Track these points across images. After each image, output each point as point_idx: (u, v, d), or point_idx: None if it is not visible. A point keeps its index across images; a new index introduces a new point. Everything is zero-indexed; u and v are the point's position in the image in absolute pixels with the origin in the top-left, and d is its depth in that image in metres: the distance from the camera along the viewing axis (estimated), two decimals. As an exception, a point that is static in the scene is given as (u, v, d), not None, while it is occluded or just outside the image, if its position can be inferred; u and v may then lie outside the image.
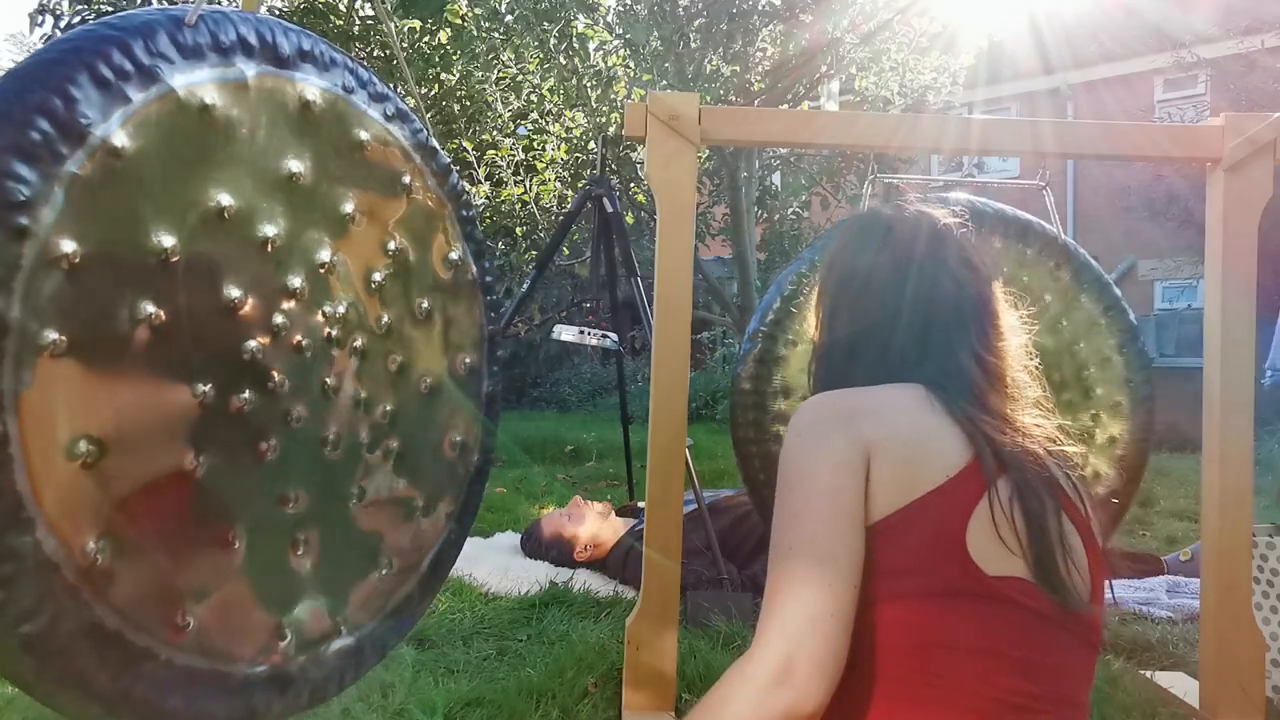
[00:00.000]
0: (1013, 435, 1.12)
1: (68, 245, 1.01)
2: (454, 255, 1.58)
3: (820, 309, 1.31)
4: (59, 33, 9.77)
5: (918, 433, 1.08)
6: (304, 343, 1.31)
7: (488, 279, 1.68)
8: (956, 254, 1.25)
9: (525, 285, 3.94)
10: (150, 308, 1.10)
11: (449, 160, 1.60)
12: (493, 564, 3.79)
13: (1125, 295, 2.93)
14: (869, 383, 1.16)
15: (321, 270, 1.34)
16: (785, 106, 6.40)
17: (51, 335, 1.00)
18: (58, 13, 10.07)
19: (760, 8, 6.13)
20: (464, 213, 1.61)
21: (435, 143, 1.57)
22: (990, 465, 1.06)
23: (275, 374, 1.27)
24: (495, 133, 7.27)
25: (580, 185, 6.15)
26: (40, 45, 10.20)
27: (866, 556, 1.01)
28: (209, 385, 1.17)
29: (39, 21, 10.19)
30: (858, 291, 1.25)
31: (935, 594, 1.01)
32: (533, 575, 3.56)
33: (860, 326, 1.23)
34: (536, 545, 3.84)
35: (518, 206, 7.05)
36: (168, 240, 1.12)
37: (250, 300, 1.23)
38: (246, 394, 1.23)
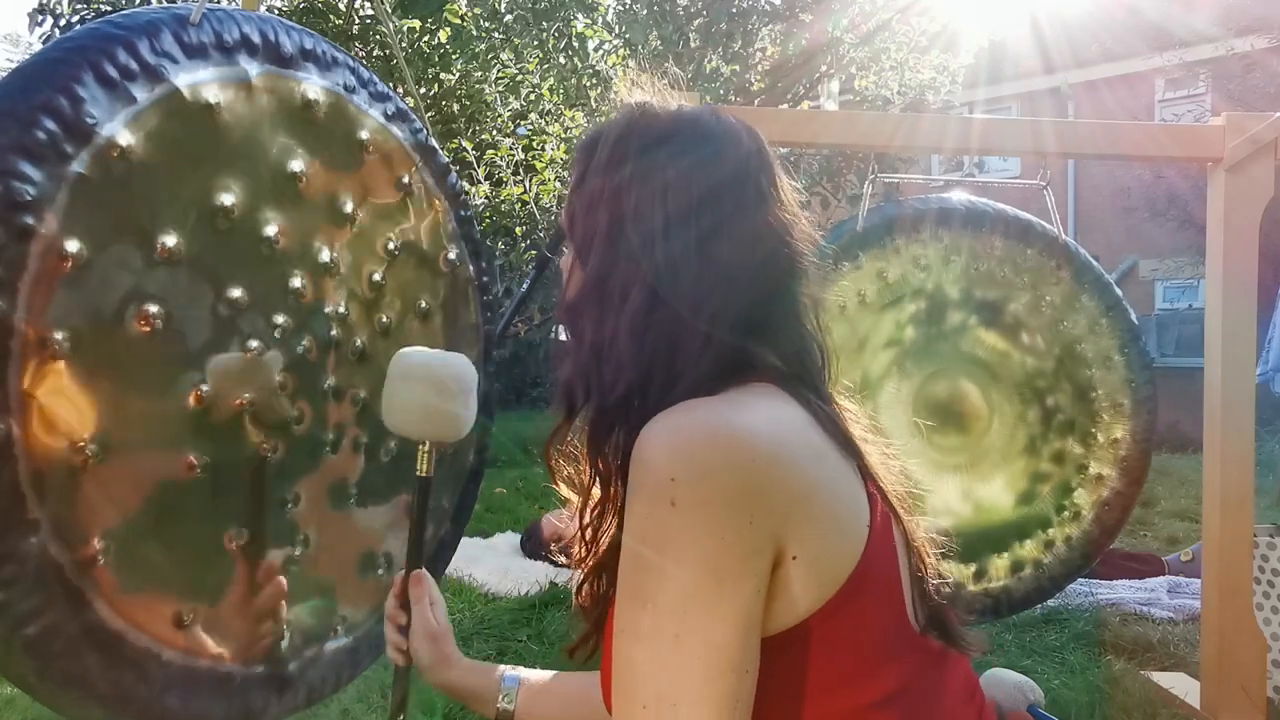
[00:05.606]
0: (861, 432, 0.89)
1: (73, 245, 1.01)
2: (452, 255, 1.58)
3: (629, 235, 0.87)
4: (58, 33, 9.75)
5: (824, 471, 0.80)
6: (305, 342, 1.31)
7: (484, 279, 1.68)
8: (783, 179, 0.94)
9: (525, 285, 3.94)
10: (154, 307, 1.10)
11: (447, 160, 1.60)
12: (493, 564, 3.80)
13: (1126, 295, 2.93)
14: (713, 372, 0.83)
15: (322, 270, 1.34)
16: (785, 106, 6.40)
17: (56, 335, 1.00)
18: (57, 12, 10.04)
19: (760, 7, 6.14)
20: (462, 213, 1.62)
21: (434, 142, 1.57)
22: (887, 492, 0.85)
23: (276, 374, 1.27)
24: (495, 133, 7.26)
25: (580, 185, 6.12)
26: (39, 45, 10.23)
27: (782, 674, 0.75)
28: (210, 385, 1.17)
29: (38, 21, 10.15)
30: (719, 215, 0.86)
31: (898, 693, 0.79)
32: (533, 575, 3.57)
33: (717, 276, 0.85)
34: (536, 545, 3.84)
35: (517, 206, 7.04)
36: (171, 240, 1.12)
37: (252, 300, 1.23)
38: (247, 394, 1.23)
